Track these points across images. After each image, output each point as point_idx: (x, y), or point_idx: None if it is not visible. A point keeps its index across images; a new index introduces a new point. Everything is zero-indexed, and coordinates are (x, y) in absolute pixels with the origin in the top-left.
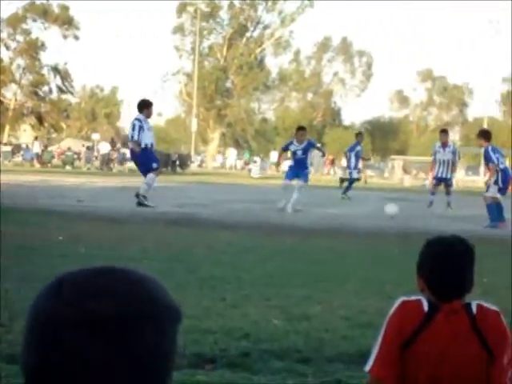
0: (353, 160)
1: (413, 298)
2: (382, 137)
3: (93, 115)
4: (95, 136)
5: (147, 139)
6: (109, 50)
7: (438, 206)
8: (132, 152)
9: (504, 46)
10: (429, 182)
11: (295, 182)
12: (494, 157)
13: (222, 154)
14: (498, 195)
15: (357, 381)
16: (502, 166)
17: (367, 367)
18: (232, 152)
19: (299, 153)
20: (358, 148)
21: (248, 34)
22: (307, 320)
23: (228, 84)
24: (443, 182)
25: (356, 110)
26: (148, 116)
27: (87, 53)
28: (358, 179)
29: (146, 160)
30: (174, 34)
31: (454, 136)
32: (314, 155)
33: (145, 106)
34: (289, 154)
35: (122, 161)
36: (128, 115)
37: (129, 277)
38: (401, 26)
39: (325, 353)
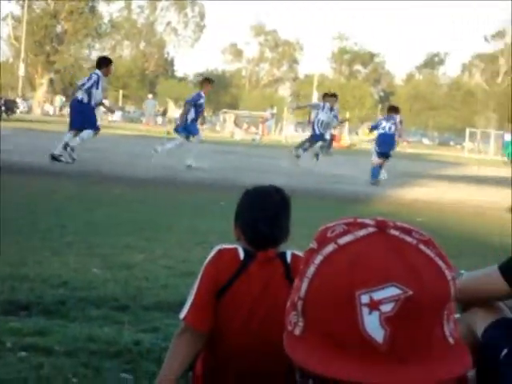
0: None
1: (229, 246)
2: (215, 90)
3: None
4: None
5: (98, 96)
6: None
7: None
8: (76, 102)
9: (335, 5)
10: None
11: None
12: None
13: (49, 101)
14: (377, 159)
15: (175, 328)
16: (380, 131)
17: (181, 314)
18: (60, 99)
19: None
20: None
21: None
22: (128, 269)
23: (58, 29)
24: (320, 139)
25: (190, 62)
26: (106, 74)
27: None
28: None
29: (91, 116)
30: None
31: (285, 91)
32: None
33: (104, 64)
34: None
35: None
36: None
37: None
38: None
39: (143, 301)
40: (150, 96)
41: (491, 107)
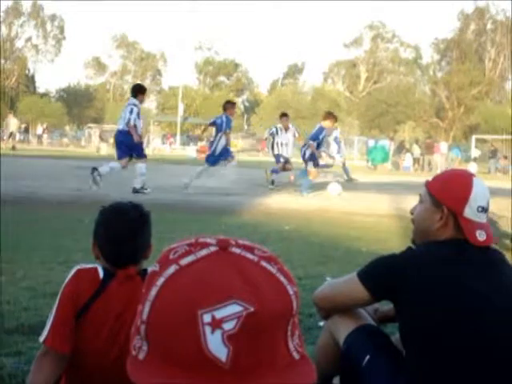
0: None
1: (88, 266)
2: (78, 105)
3: None
4: None
5: (139, 125)
6: None
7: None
8: (122, 134)
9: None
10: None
11: None
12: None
13: None
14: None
15: (37, 351)
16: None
17: (41, 337)
18: None
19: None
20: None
21: None
22: None
23: None
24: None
25: (51, 77)
26: (142, 102)
27: None
28: None
29: (136, 145)
30: None
31: (150, 105)
32: None
33: (140, 91)
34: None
35: None
36: None
37: None
38: None
39: (4, 325)
40: (11, 114)
41: (353, 114)
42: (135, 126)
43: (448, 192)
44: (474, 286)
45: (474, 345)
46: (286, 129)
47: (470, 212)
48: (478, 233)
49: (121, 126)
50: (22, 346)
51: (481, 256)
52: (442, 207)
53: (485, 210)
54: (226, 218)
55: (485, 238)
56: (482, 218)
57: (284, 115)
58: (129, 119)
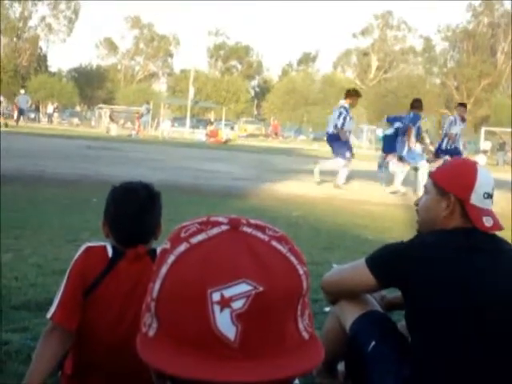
0: None
1: (98, 244)
2: (90, 85)
3: None
4: None
5: (349, 127)
6: None
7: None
8: (331, 137)
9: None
10: (135, 132)
11: None
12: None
13: None
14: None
15: (44, 328)
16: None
17: (49, 314)
18: None
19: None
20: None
21: None
22: None
23: None
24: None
25: (63, 57)
26: (353, 105)
27: None
28: None
29: (342, 146)
30: None
31: (161, 86)
32: None
33: (352, 95)
34: None
35: None
36: None
37: None
38: None
39: (12, 301)
40: (23, 91)
41: (363, 103)
42: (342, 128)
43: (454, 179)
44: (483, 272)
45: (482, 331)
46: (463, 120)
47: (476, 198)
48: (485, 219)
49: (330, 129)
50: (28, 322)
51: (489, 243)
52: (449, 195)
53: (490, 196)
54: (233, 201)
55: (492, 224)
56: (487, 205)
57: (463, 105)
58: (335, 124)
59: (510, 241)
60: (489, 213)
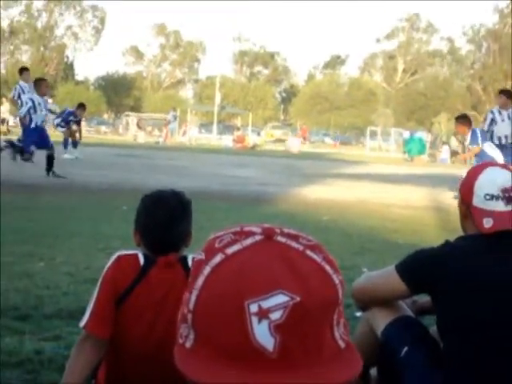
0: None
1: (129, 252)
2: (116, 93)
3: None
4: None
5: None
6: None
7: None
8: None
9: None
10: (162, 139)
11: None
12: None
13: None
14: None
15: (76, 336)
16: None
17: (82, 323)
18: None
19: None
20: None
21: None
22: (28, 277)
23: None
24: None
25: (90, 65)
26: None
27: None
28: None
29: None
30: None
31: (187, 93)
32: None
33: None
34: None
35: None
36: None
37: None
38: None
39: (44, 310)
40: (50, 100)
41: (390, 105)
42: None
43: (462, 185)
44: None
45: None
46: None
47: (477, 200)
48: (485, 220)
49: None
50: (61, 330)
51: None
52: (461, 200)
53: (496, 197)
54: (263, 207)
55: (491, 224)
56: (492, 206)
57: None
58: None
59: None
60: (491, 214)
